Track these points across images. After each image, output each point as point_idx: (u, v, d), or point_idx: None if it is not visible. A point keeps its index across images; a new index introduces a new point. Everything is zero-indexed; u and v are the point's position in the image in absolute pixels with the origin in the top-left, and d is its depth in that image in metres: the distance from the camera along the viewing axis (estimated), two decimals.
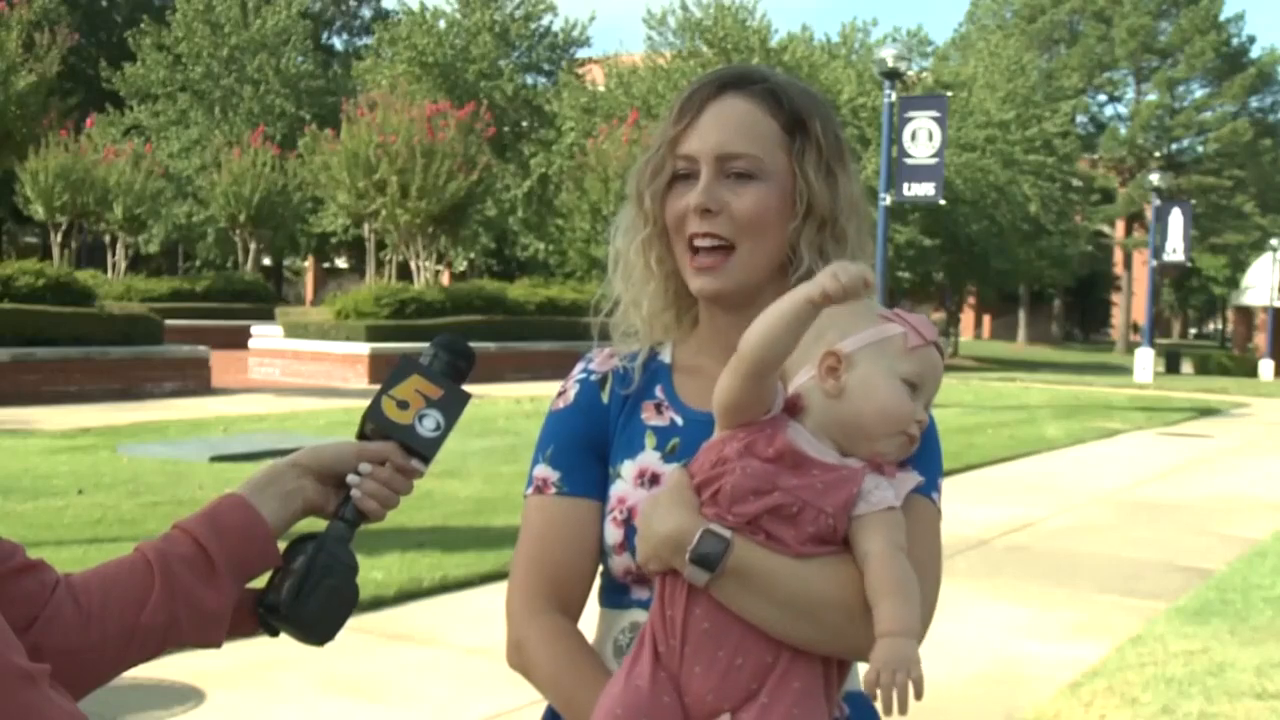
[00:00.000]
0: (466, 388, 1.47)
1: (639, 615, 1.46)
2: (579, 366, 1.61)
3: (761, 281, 1.50)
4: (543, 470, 1.54)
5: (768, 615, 1.30)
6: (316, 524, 1.40)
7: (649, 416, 1.53)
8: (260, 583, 1.36)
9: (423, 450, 1.41)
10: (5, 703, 0.97)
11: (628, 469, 1.50)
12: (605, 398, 1.56)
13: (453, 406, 1.43)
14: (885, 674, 1.25)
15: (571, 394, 1.58)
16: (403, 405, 1.41)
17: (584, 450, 1.53)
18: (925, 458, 1.45)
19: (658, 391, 1.55)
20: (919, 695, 1.26)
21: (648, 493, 1.46)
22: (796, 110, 1.50)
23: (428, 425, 1.41)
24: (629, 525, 1.46)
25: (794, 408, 1.37)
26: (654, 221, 1.55)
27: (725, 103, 1.51)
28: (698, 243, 1.49)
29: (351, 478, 1.39)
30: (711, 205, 1.47)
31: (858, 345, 1.37)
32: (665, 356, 1.59)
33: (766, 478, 1.31)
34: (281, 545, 1.37)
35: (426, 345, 1.47)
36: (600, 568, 1.53)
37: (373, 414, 1.41)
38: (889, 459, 1.36)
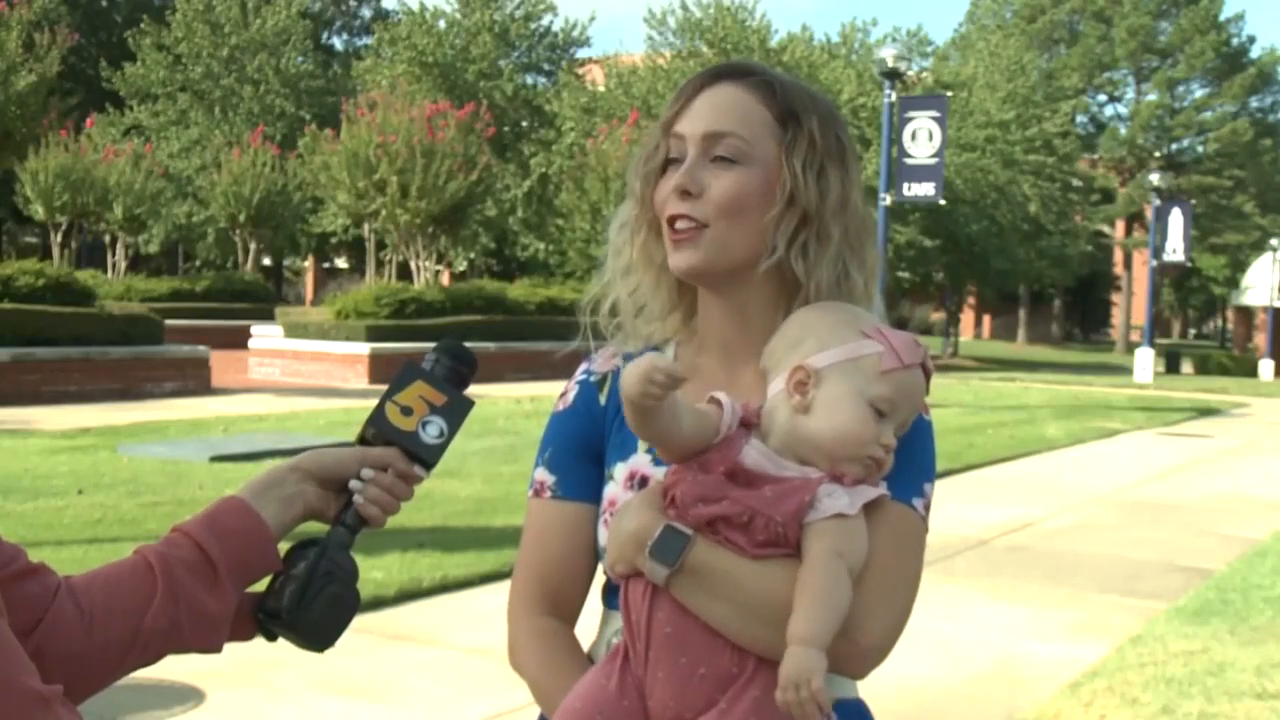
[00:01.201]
0: (474, 399, 1.46)
1: None
2: (581, 367, 1.61)
3: (739, 265, 1.47)
4: (541, 474, 1.55)
5: (726, 616, 1.29)
6: (316, 528, 1.40)
7: None
8: (259, 587, 1.36)
9: (425, 457, 1.41)
10: None
11: (620, 471, 1.50)
12: (603, 399, 1.55)
13: (456, 413, 1.43)
14: (790, 691, 1.24)
15: (571, 396, 1.58)
16: (406, 411, 1.40)
17: (580, 453, 1.53)
18: (912, 463, 1.43)
19: None
20: (823, 708, 1.25)
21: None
22: (790, 102, 1.49)
23: (431, 432, 1.41)
24: None
25: (749, 423, 1.36)
26: (646, 207, 1.54)
27: (719, 89, 1.50)
28: (676, 224, 1.48)
29: (354, 483, 1.38)
30: (691, 187, 1.46)
31: (829, 362, 1.35)
32: (667, 355, 1.58)
33: (716, 487, 1.31)
34: (281, 549, 1.37)
35: (429, 349, 1.47)
36: (600, 568, 1.53)
37: (376, 419, 1.40)
38: (852, 477, 1.34)
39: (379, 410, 1.40)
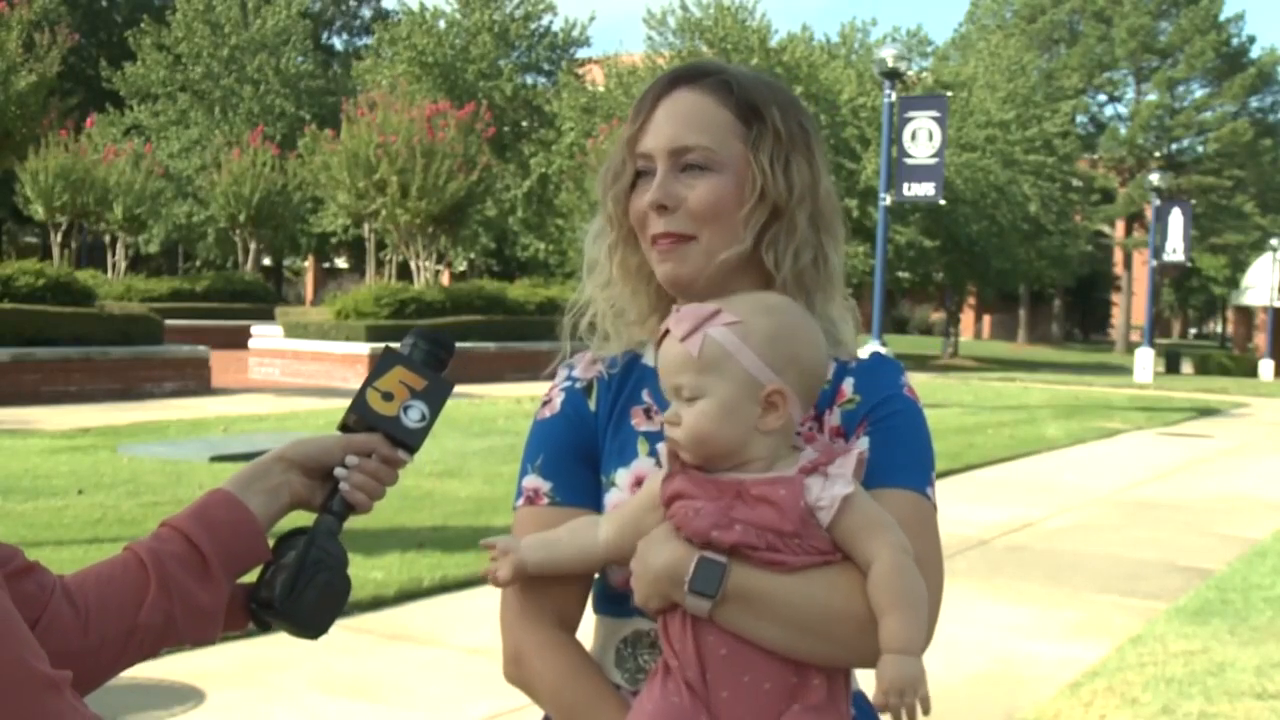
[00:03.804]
0: (462, 385, 1.47)
1: (640, 624, 1.44)
2: (561, 374, 1.59)
3: (727, 270, 1.48)
4: (533, 481, 1.51)
5: (775, 635, 1.29)
6: (304, 517, 1.40)
7: (639, 422, 1.51)
8: (251, 577, 1.36)
9: (408, 441, 1.41)
10: (33, 711, 0.97)
11: (622, 477, 1.48)
12: (592, 405, 1.54)
13: (436, 396, 1.43)
14: (894, 697, 1.25)
15: (558, 402, 1.56)
16: (387, 397, 1.41)
17: (574, 459, 1.51)
18: (912, 453, 1.43)
19: (644, 396, 1.53)
20: (926, 711, 1.27)
21: None
22: (749, 98, 1.49)
23: (413, 416, 1.41)
24: None
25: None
26: (619, 225, 1.54)
27: (677, 97, 1.50)
28: (659, 243, 1.48)
29: (339, 470, 1.39)
30: (667, 201, 1.46)
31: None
32: (648, 359, 1.56)
33: (722, 513, 1.30)
34: (270, 540, 1.37)
35: (406, 334, 1.48)
36: (595, 576, 1.51)
37: (357, 406, 1.41)
38: (781, 452, 1.34)
39: (360, 396, 1.41)
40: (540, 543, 1.43)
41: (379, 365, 1.43)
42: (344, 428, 1.43)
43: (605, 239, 1.56)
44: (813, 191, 1.50)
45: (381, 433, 1.40)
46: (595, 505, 1.49)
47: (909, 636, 1.27)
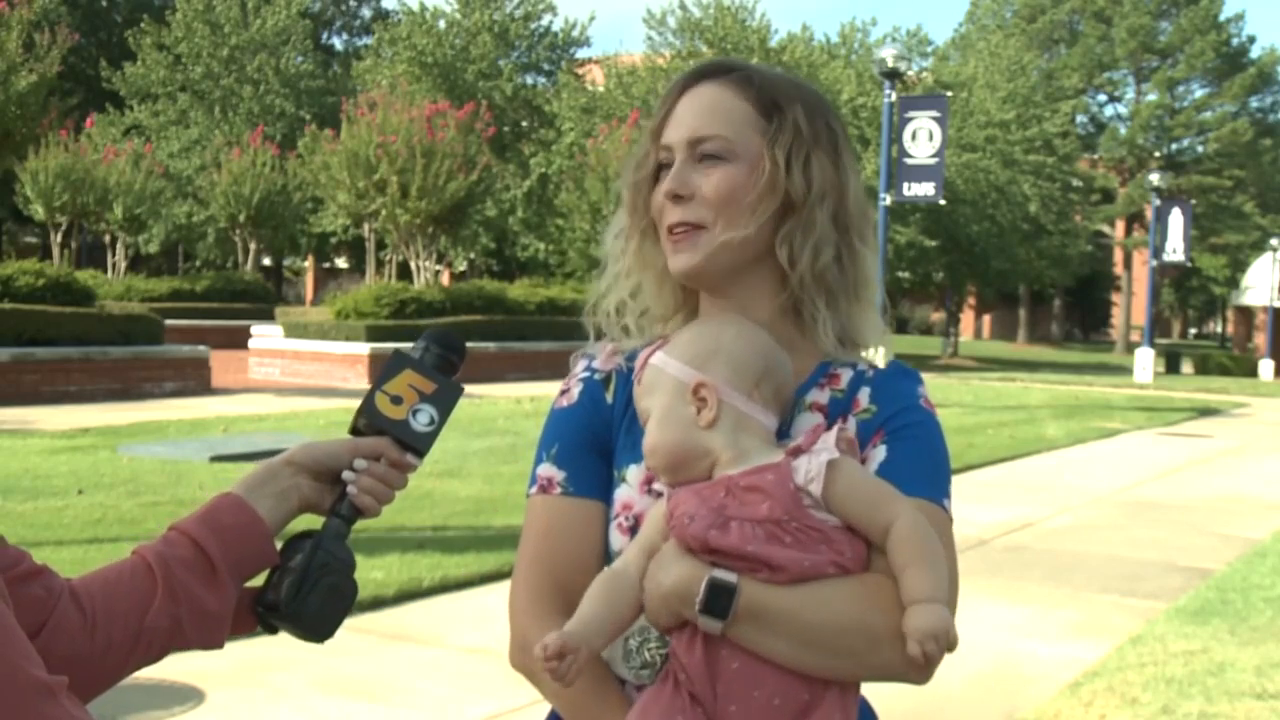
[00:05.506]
0: (463, 385, 1.47)
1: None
2: (581, 364, 1.59)
3: (740, 263, 1.48)
4: (547, 469, 1.52)
5: (789, 651, 1.28)
6: (312, 521, 1.40)
7: None
8: (258, 581, 1.36)
9: (417, 445, 1.41)
10: (27, 716, 0.97)
11: (633, 473, 1.48)
12: (610, 397, 1.54)
13: (446, 400, 1.43)
14: (929, 644, 1.25)
15: (575, 392, 1.56)
16: (396, 400, 1.41)
17: (589, 450, 1.51)
18: (927, 463, 1.43)
19: None
20: (951, 649, 1.27)
21: (653, 500, 1.45)
22: (771, 93, 1.50)
23: (422, 420, 1.41)
24: (635, 532, 1.45)
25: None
26: (640, 216, 1.55)
27: (699, 90, 1.51)
28: (675, 232, 1.49)
29: (347, 474, 1.39)
30: (681, 190, 1.47)
31: None
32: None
33: (715, 514, 1.30)
34: (278, 543, 1.37)
35: (418, 338, 1.48)
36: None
37: (366, 409, 1.41)
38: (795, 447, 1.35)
39: (369, 400, 1.41)
40: (593, 620, 1.35)
41: (388, 368, 1.43)
42: (354, 431, 1.43)
43: (625, 232, 1.58)
44: (838, 191, 1.50)
45: (390, 437, 1.40)
46: (606, 497, 1.50)
47: (931, 586, 1.27)
